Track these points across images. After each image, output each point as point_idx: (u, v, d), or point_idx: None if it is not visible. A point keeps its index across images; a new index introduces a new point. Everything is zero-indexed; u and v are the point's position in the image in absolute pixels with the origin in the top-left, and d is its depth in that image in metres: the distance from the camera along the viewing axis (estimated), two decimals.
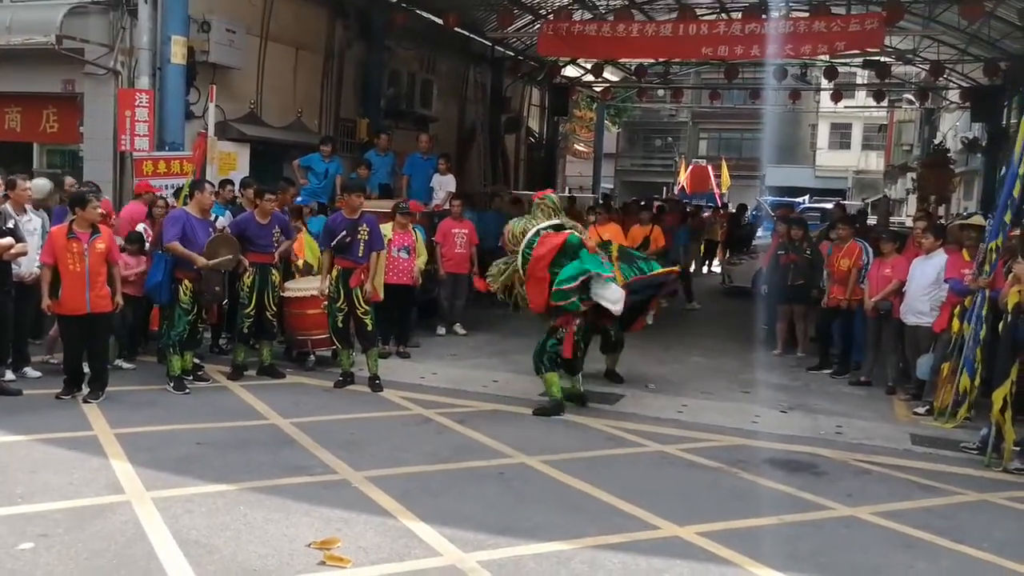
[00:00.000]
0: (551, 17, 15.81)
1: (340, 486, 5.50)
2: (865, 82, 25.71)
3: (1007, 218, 6.97)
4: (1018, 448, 6.53)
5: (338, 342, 8.17)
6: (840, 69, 21.23)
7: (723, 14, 16.63)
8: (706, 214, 21.39)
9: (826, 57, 18.65)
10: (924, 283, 8.14)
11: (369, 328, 7.99)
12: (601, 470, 6.03)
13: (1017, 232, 6.97)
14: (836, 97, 23.22)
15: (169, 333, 7.71)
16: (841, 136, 45.43)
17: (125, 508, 4.94)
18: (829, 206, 20.96)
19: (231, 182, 9.79)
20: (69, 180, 8.41)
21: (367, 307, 7.96)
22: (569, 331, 7.40)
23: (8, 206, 7.51)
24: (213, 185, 8.54)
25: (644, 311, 8.25)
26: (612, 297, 7.21)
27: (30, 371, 7.78)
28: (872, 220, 19.05)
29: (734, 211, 22.33)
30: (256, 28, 11.90)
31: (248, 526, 4.77)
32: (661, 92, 28.53)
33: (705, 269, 20.84)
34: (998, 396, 6.47)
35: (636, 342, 9.23)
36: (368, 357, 8.07)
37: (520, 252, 7.55)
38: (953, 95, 23.01)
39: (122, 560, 4.30)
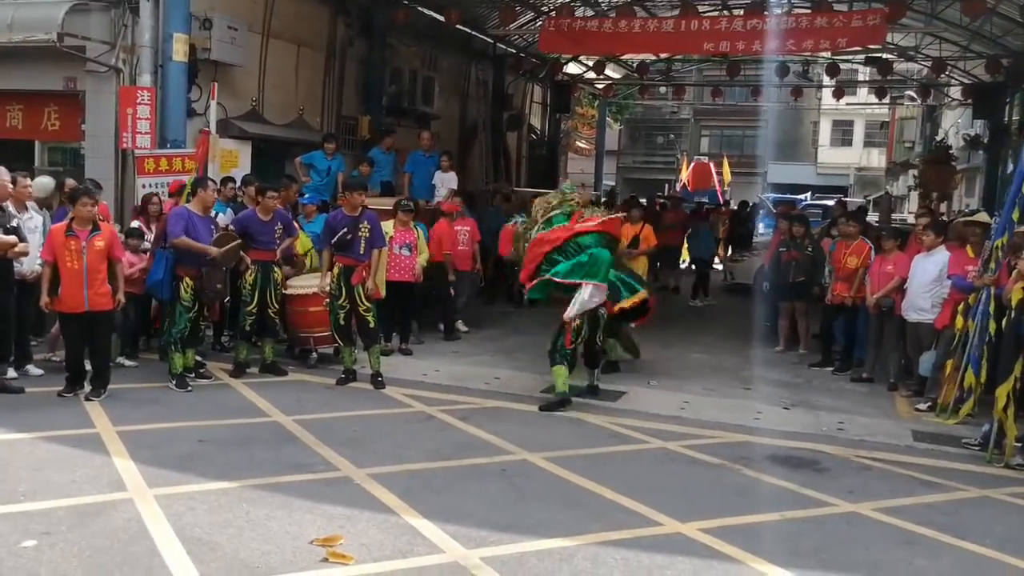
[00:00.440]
0: (553, 14, 15.79)
1: (342, 483, 5.50)
2: (867, 79, 25.69)
3: (1015, 216, 6.94)
4: (1020, 444, 6.53)
5: (340, 339, 8.18)
6: (842, 66, 21.22)
7: (725, 11, 16.59)
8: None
9: (828, 54, 18.66)
10: (925, 280, 8.13)
11: (371, 325, 8.00)
12: (603, 467, 6.03)
13: (1023, 229, 6.95)
14: (838, 94, 23.21)
15: (171, 331, 7.72)
16: (843, 133, 45.41)
17: (127, 506, 4.95)
18: (831, 203, 20.95)
19: (233, 180, 9.80)
20: (70, 182, 8.42)
21: (369, 304, 7.97)
22: (569, 324, 7.46)
23: (10, 204, 7.52)
24: (215, 182, 8.55)
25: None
26: (581, 305, 7.29)
27: (32, 369, 7.78)
28: (874, 217, 19.04)
29: (736, 208, 22.30)
30: (258, 25, 11.89)
31: (250, 523, 4.78)
32: (663, 89, 28.44)
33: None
34: (1001, 392, 6.47)
35: (637, 339, 9.23)
36: (370, 354, 8.07)
37: (541, 222, 7.73)
38: (955, 92, 22.98)
39: (125, 557, 4.31)
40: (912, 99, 28.15)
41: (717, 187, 28.61)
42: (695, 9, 14.30)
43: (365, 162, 11.92)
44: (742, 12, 14.65)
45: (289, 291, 8.43)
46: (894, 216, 24.55)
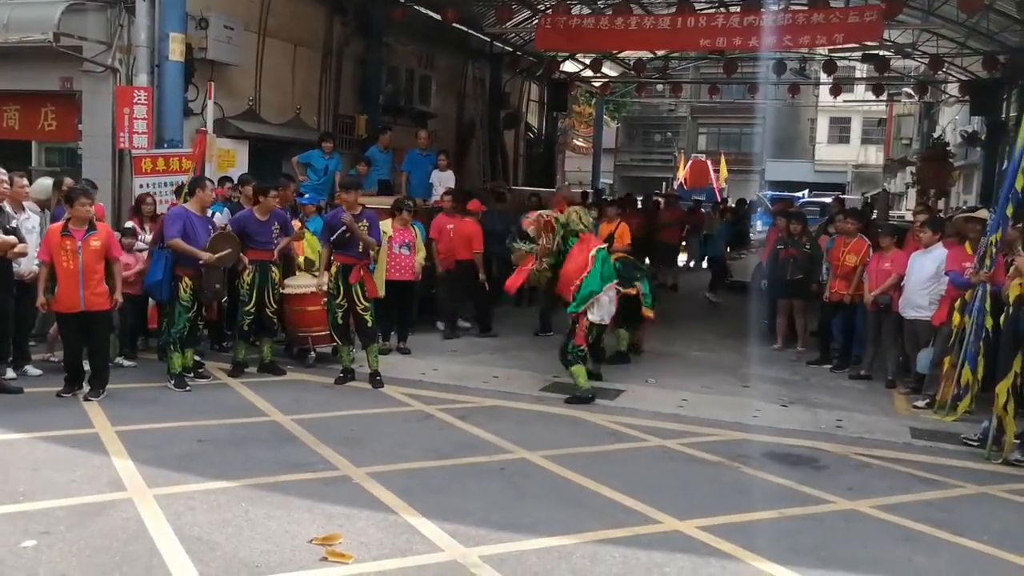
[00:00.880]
0: (549, 12, 15.78)
1: (341, 482, 5.51)
2: (864, 76, 25.70)
3: (1009, 212, 6.96)
4: (1019, 441, 6.54)
5: (338, 339, 8.18)
6: (839, 63, 21.20)
7: (722, 7, 16.60)
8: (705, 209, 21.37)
9: (825, 50, 18.67)
10: (923, 277, 8.15)
11: (369, 325, 8.00)
12: (602, 465, 6.04)
13: (1019, 226, 6.96)
14: (835, 91, 23.17)
15: (169, 331, 7.72)
16: (840, 130, 45.40)
17: (127, 505, 4.95)
18: (828, 200, 20.96)
19: (230, 179, 9.80)
20: (68, 181, 8.41)
21: (367, 303, 7.97)
22: (582, 323, 7.70)
23: (7, 205, 7.51)
24: (213, 182, 8.55)
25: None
26: (598, 314, 7.77)
27: (31, 369, 7.78)
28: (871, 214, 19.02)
29: (734, 206, 22.30)
30: (254, 25, 11.88)
31: (250, 522, 4.78)
32: (660, 87, 28.48)
33: (704, 264, 20.86)
34: (1002, 389, 6.47)
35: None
36: (368, 353, 8.08)
37: (556, 241, 7.80)
38: (952, 88, 22.98)
39: (124, 557, 4.31)
40: (909, 96, 28.16)
41: (715, 185, 28.64)
42: (691, 6, 14.29)
43: (363, 161, 11.92)
44: (738, 8, 14.66)
45: (287, 290, 8.43)
46: (892, 213, 24.55)
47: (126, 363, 8.28)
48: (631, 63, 22.40)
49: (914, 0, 14.80)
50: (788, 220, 10.62)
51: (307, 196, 10.40)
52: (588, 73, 22.90)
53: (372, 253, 8.29)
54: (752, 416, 7.53)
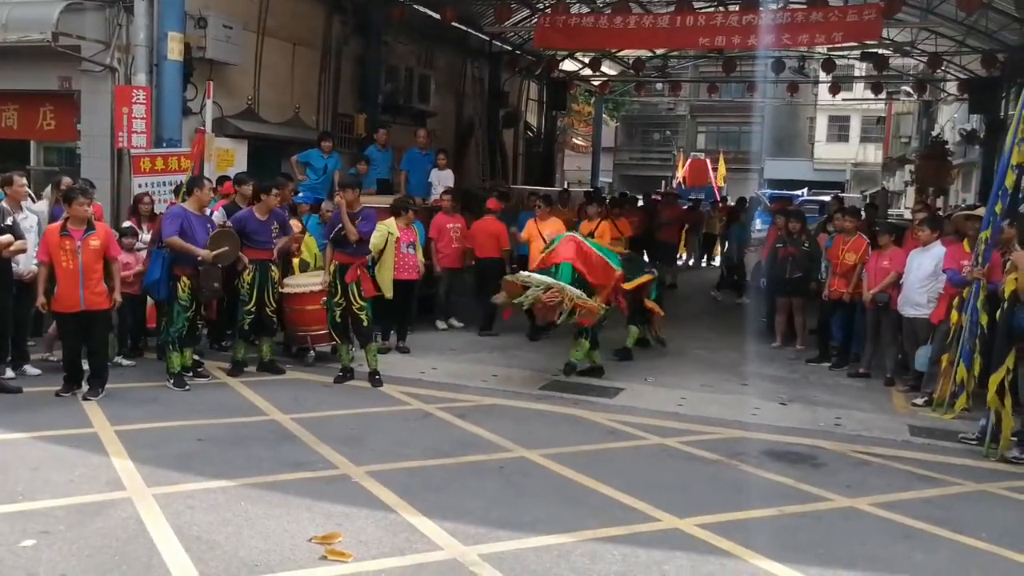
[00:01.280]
0: (548, 10, 15.78)
1: (341, 481, 5.51)
2: (863, 74, 25.71)
3: (997, 209, 6.98)
4: (1016, 438, 6.55)
5: (337, 338, 8.17)
6: (838, 62, 21.20)
7: (720, 6, 16.60)
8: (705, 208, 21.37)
9: (824, 49, 18.68)
10: (921, 275, 8.15)
11: (365, 324, 7.99)
12: (601, 463, 6.04)
13: (1014, 224, 6.97)
14: (834, 90, 23.20)
15: (168, 330, 7.72)
16: (839, 129, 45.38)
17: (126, 505, 4.95)
18: (827, 199, 20.96)
19: (229, 178, 9.78)
20: (66, 180, 8.41)
21: (363, 302, 7.96)
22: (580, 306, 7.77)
23: (5, 203, 7.51)
24: (211, 182, 8.54)
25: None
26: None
27: (30, 369, 7.78)
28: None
29: (733, 204, 22.30)
30: (253, 24, 11.87)
31: (249, 522, 4.78)
32: (659, 86, 28.49)
33: (704, 263, 20.87)
34: (993, 382, 6.48)
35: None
36: (367, 353, 8.08)
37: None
38: (951, 87, 23.02)
39: (124, 556, 4.31)
40: (908, 94, 28.16)
41: (714, 183, 28.65)
42: (690, 4, 14.30)
43: (362, 160, 11.91)
44: (737, 7, 14.67)
45: (286, 290, 8.42)
46: (890, 211, 24.56)
47: (125, 362, 8.29)
48: (630, 62, 22.40)
49: None
50: (787, 218, 10.62)
51: (301, 195, 10.40)
52: (587, 72, 22.92)
53: (372, 252, 8.30)
54: (751, 414, 7.54)
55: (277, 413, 6.96)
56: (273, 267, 8.24)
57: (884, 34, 16.59)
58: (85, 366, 7.25)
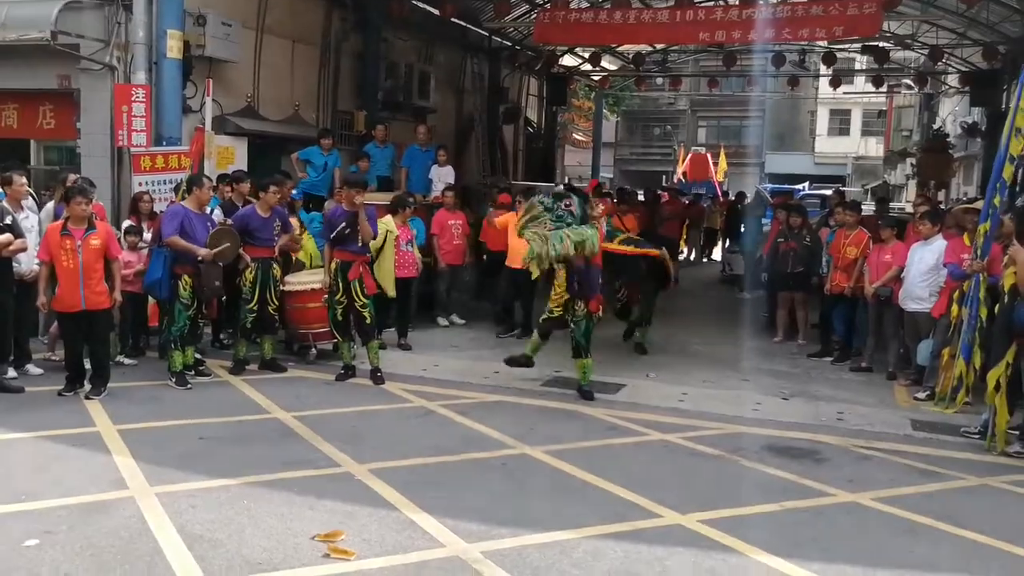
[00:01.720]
0: (547, 5, 15.75)
1: (343, 479, 5.51)
2: (864, 68, 25.64)
3: (996, 201, 6.97)
4: (1017, 432, 6.55)
5: (339, 335, 8.17)
6: (839, 55, 21.16)
7: (720, 1, 16.56)
8: (705, 203, 21.36)
9: (824, 42, 18.62)
10: (923, 269, 8.14)
11: (367, 321, 7.99)
12: (603, 459, 6.04)
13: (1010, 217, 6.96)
14: (835, 83, 23.15)
15: (170, 329, 7.72)
16: (840, 122, 45.30)
17: (129, 504, 4.96)
18: (828, 192, 20.93)
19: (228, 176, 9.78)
20: (72, 177, 8.40)
21: (365, 300, 7.96)
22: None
23: (5, 203, 7.51)
24: (211, 180, 8.53)
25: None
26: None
27: (32, 368, 7.79)
28: (871, 206, 18.99)
29: (734, 199, 22.28)
30: (252, 21, 11.85)
31: (252, 520, 4.79)
32: (660, 80, 28.45)
33: (705, 258, 20.86)
34: (992, 377, 6.49)
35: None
36: (368, 350, 8.07)
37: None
38: (952, 80, 22.93)
39: (127, 555, 4.32)
40: (909, 87, 28.12)
41: (715, 178, 28.61)
42: (690, 0, 14.27)
43: (362, 157, 11.90)
44: (737, 1, 14.63)
45: (288, 287, 8.42)
46: (892, 204, 24.49)
47: (127, 361, 8.29)
48: (630, 57, 22.33)
49: None
50: (788, 213, 10.61)
51: (295, 192, 10.38)
52: (587, 67, 22.85)
53: (370, 248, 8.28)
54: (753, 409, 7.54)
55: (279, 411, 6.96)
56: (275, 265, 8.24)
57: (885, 27, 16.52)
58: (87, 365, 7.25)
